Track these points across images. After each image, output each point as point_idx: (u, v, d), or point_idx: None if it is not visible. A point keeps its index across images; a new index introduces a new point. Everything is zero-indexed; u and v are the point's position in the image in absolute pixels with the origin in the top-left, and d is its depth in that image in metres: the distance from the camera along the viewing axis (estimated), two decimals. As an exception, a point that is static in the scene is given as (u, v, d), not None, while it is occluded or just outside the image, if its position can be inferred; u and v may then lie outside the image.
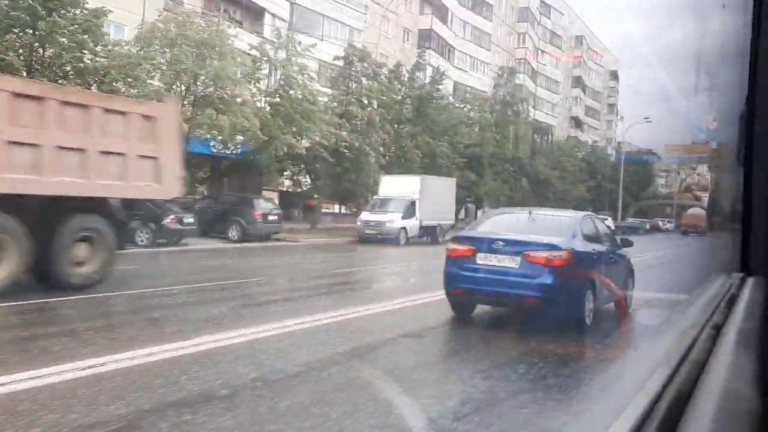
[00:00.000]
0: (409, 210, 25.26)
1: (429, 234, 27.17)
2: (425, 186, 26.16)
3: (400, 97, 33.61)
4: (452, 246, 8.21)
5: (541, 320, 7.48)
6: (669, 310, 7.75)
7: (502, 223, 8.82)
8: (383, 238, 24.08)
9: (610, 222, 54.87)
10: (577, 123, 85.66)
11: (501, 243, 7.57)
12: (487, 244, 7.67)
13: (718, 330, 1.26)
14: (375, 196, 26.37)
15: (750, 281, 1.80)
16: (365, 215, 25.09)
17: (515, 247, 7.49)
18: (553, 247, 7.40)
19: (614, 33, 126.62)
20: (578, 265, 7.55)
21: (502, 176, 39.78)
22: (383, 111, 31.57)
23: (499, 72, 44.76)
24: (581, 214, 9.19)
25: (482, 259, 7.65)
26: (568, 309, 7.47)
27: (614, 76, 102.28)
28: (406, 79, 33.93)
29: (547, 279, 7.23)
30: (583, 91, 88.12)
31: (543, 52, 74.35)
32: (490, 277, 7.52)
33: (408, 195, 25.37)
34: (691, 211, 52.77)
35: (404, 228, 24.65)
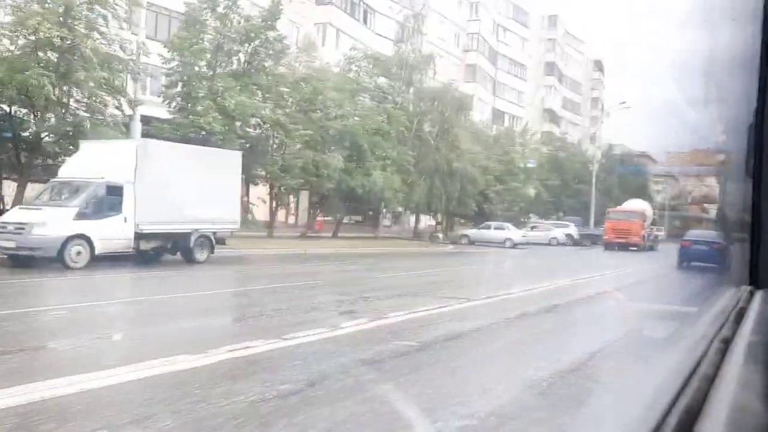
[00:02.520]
0: (101, 203, 13.51)
1: (177, 247, 15.49)
2: (152, 160, 14.35)
3: (209, 36, 22.05)
4: (683, 241, 21.87)
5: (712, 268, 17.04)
6: (677, 323, 6.53)
7: (697, 234, 22.44)
8: (30, 256, 12.43)
9: (572, 229, 43.31)
10: (552, 116, 73.85)
11: (701, 241, 20.30)
12: (695, 242, 20.87)
13: (726, 344, 1.27)
14: (53, 179, 14.63)
15: (759, 294, 1.84)
16: (9, 214, 13.38)
17: (707, 243, 19.45)
18: (719, 242, 15.72)
19: (618, 40, 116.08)
20: (725, 248, 13.91)
21: (394, 164, 28.04)
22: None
23: (403, 22, 33.05)
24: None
25: (694, 247, 20.71)
26: (724, 264, 13.44)
27: (598, 66, 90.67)
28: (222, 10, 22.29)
29: (718, 254, 16.17)
30: (559, 80, 76.40)
31: (505, 29, 62.86)
32: (699, 253, 20.15)
33: (106, 176, 13.67)
34: (624, 206, 39.42)
35: (82, 236, 12.87)
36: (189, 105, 21.33)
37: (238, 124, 22.43)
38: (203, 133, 20.89)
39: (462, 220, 42.22)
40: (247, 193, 26.41)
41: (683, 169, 71.09)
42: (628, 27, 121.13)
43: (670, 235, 63.76)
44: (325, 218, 37.65)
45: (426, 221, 42.33)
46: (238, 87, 21.89)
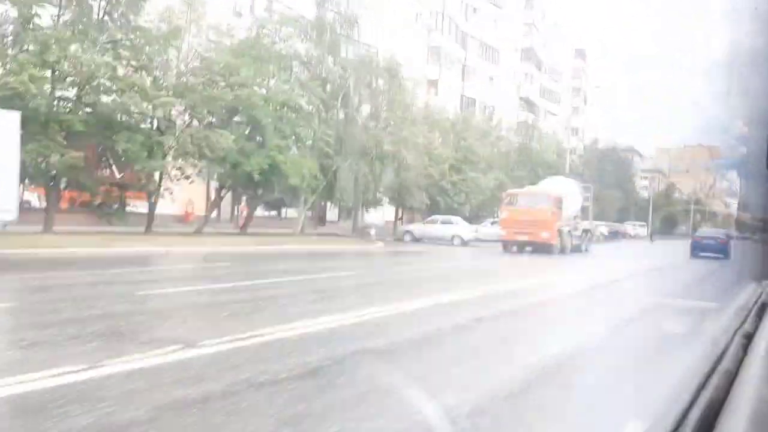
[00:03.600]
0: None
1: None
2: None
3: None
4: (694, 236, 30.92)
5: (718, 257, 25.48)
6: (699, 317, 6.61)
7: (706, 231, 33.56)
8: None
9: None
10: (530, 105, 69.16)
11: (710, 236, 29.49)
12: (704, 237, 29.24)
13: (749, 339, 1.26)
14: None
15: None
16: None
17: (714, 237, 28.71)
18: (723, 237, 28.50)
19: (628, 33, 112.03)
20: (727, 242, 27.20)
21: (313, 146, 23.33)
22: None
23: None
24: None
25: (704, 241, 28.22)
26: (726, 255, 25.48)
27: (581, 54, 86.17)
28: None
29: (724, 247, 26.72)
30: (537, 67, 71.70)
31: (474, 9, 58.09)
32: (707, 246, 27.19)
33: None
34: (535, 187, 29.66)
35: None
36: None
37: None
38: (34, 97, 16.11)
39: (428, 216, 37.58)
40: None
41: (689, 164, 68.95)
42: (621, 16, 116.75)
43: (654, 233, 59.56)
44: (270, 213, 33.12)
45: (384, 216, 37.68)
46: (86, 43, 17.20)
